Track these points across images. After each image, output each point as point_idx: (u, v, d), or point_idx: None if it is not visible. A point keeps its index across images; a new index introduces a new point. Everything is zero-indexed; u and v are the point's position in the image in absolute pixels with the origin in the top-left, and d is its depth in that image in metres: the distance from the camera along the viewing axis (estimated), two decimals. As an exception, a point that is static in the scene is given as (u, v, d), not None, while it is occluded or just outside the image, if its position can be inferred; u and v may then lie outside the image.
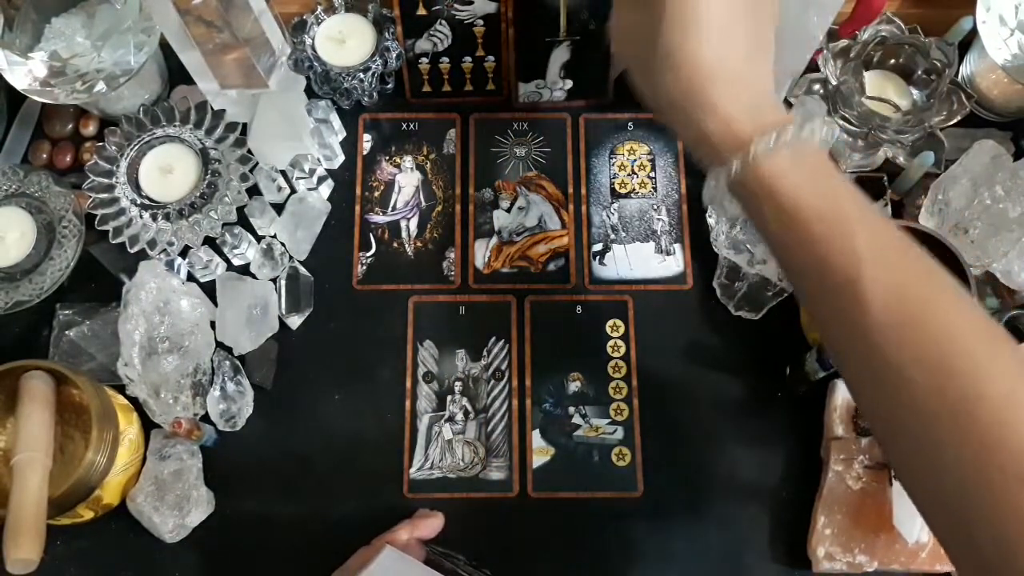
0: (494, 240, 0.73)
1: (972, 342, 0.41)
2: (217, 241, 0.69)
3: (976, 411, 0.39)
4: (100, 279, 0.71)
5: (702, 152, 0.49)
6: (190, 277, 0.71)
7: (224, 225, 0.69)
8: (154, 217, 0.69)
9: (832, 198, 0.44)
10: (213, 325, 0.69)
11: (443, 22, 0.73)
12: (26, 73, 0.71)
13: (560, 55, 0.74)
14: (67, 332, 0.69)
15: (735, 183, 0.46)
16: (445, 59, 0.75)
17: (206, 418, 0.67)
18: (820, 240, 0.43)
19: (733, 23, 0.48)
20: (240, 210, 0.70)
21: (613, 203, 0.75)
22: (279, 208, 0.73)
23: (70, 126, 0.78)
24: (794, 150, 0.45)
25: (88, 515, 0.62)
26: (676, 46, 0.48)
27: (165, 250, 0.68)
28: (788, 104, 0.71)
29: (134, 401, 0.65)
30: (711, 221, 0.70)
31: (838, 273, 0.43)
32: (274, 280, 0.70)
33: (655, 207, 0.74)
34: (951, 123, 0.70)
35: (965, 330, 0.41)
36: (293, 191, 0.73)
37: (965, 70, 0.76)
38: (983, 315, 0.43)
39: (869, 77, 0.71)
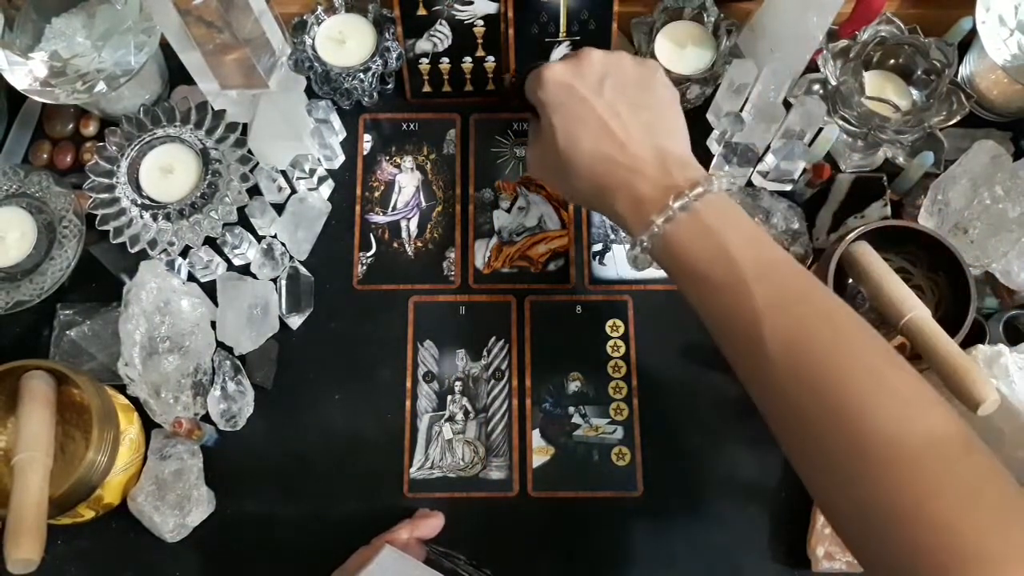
0: (494, 240, 0.74)
1: (860, 379, 0.44)
2: (217, 241, 0.69)
3: (868, 447, 0.42)
4: (101, 279, 0.71)
5: (620, 227, 0.55)
6: (190, 277, 0.71)
7: (224, 225, 0.69)
8: (154, 217, 0.69)
9: (728, 260, 0.49)
10: (213, 325, 0.69)
11: (443, 22, 0.73)
12: (26, 73, 0.71)
13: (560, 55, 0.74)
14: (68, 332, 0.69)
15: (650, 253, 0.52)
16: (445, 59, 0.75)
17: (206, 418, 0.67)
18: (724, 302, 0.49)
19: (618, 114, 0.54)
20: (240, 210, 0.70)
21: (613, 203, 0.75)
22: (279, 208, 0.73)
23: (70, 126, 0.78)
24: (693, 214, 0.50)
25: (89, 515, 0.63)
26: (571, 155, 0.55)
27: (165, 250, 0.68)
28: (788, 105, 0.71)
29: (135, 401, 0.66)
30: (711, 221, 0.70)
31: (742, 328, 0.48)
32: (274, 280, 0.71)
33: (655, 207, 0.74)
34: (951, 123, 0.70)
35: (855, 368, 0.45)
36: (293, 191, 0.73)
37: (965, 70, 0.76)
38: (875, 346, 0.46)
39: (869, 77, 0.71)
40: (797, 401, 0.45)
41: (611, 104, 0.54)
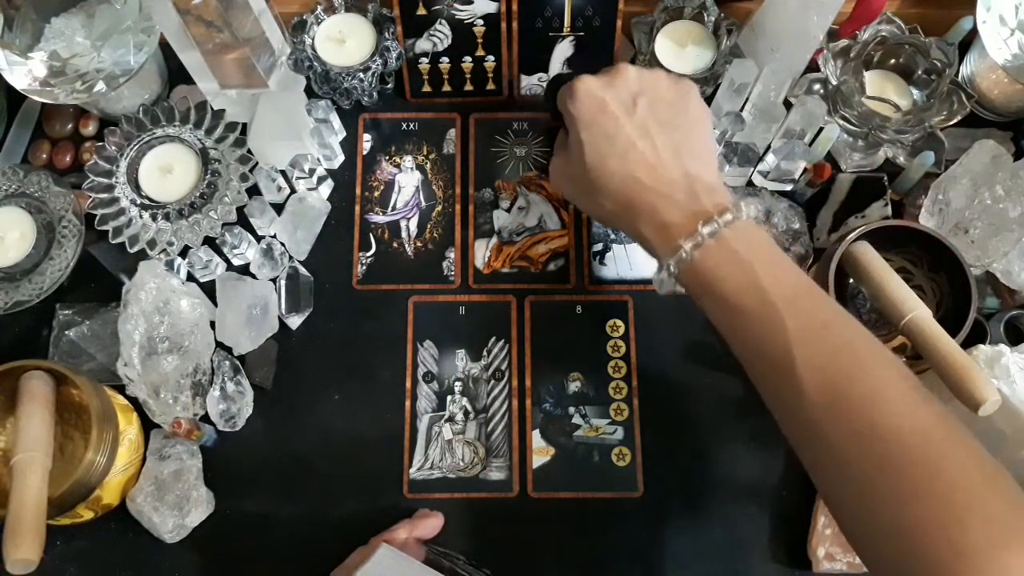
0: (494, 240, 0.73)
1: (895, 405, 0.45)
2: (217, 241, 0.69)
3: (906, 469, 0.43)
4: (100, 279, 0.71)
5: (645, 249, 0.54)
6: (190, 277, 0.71)
7: (224, 225, 0.69)
8: (154, 217, 0.69)
9: (758, 289, 0.48)
10: (213, 325, 0.69)
11: (443, 22, 0.73)
12: (26, 73, 0.71)
13: (563, 50, 0.74)
14: (67, 332, 0.69)
15: (676, 278, 0.52)
16: (445, 59, 0.75)
17: (206, 418, 0.67)
18: (755, 331, 0.48)
19: (649, 135, 0.53)
20: (240, 210, 0.70)
21: (613, 203, 0.74)
22: (279, 208, 0.73)
23: (70, 126, 0.78)
24: (721, 240, 0.50)
25: (88, 515, 0.62)
26: (599, 173, 0.54)
27: (165, 250, 0.68)
28: (788, 105, 0.71)
29: (134, 401, 0.65)
30: (711, 221, 0.70)
31: (774, 359, 0.48)
32: (274, 280, 0.70)
33: (655, 207, 0.74)
34: (951, 123, 0.70)
35: (887, 395, 0.45)
36: (293, 191, 0.73)
37: (965, 70, 0.76)
38: (901, 373, 0.46)
39: (869, 77, 0.71)
40: (830, 429, 0.45)
41: (643, 124, 0.54)
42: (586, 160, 0.54)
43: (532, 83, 0.76)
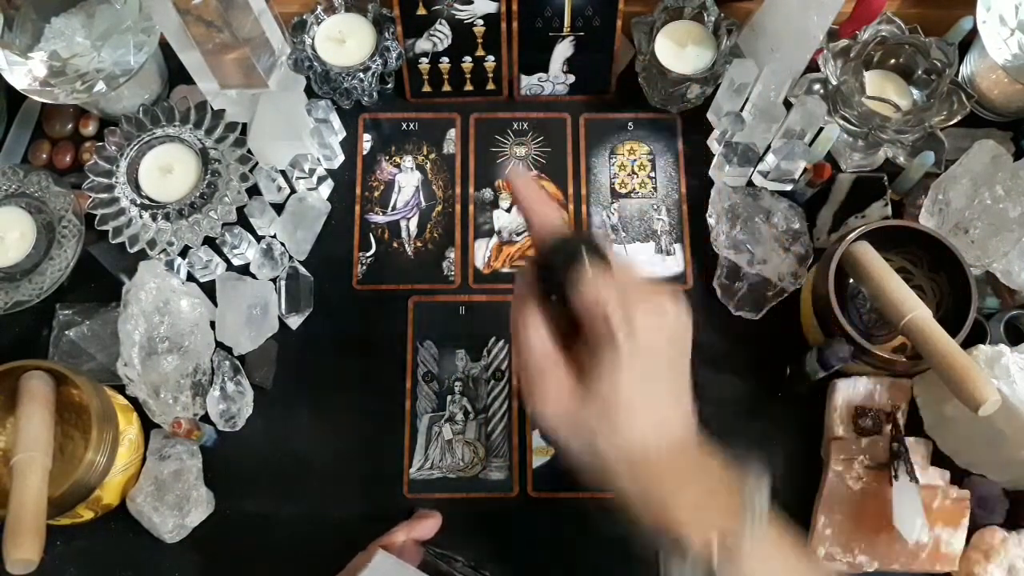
0: (494, 240, 0.73)
1: None
2: (217, 241, 0.69)
3: None
4: (100, 279, 0.71)
5: (663, 538, 0.46)
6: (190, 277, 0.71)
7: (224, 225, 0.69)
8: (154, 217, 0.69)
9: None
10: (213, 325, 0.69)
11: (443, 22, 0.73)
12: (26, 73, 0.71)
13: (563, 50, 0.74)
14: (67, 332, 0.69)
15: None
16: (445, 59, 0.75)
17: (206, 418, 0.67)
18: None
19: (684, 384, 0.47)
20: (240, 210, 0.70)
21: (613, 203, 0.74)
22: (279, 208, 0.73)
23: (70, 126, 0.78)
24: (757, 534, 0.44)
25: (88, 515, 0.62)
26: (630, 425, 0.44)
27: (165, 250, 0.68)
28: (788, 105, 0.71)
29: (134, 401, 0.65)
30: (711, 221, 0.70)
31: None
32: (274, 280, 0.70)
33: (655, 207, 0.74)
34: (951, 123, 0.70)
35: None
36: (293, 191, 0.73)
37: (965, 70, 0.76)
38: None
39: (869, 77, 0.71)
40: None
41: (679, 376, 0.47)
42: (620, 404, 0.43)
43: (532, 83, 0.77)
